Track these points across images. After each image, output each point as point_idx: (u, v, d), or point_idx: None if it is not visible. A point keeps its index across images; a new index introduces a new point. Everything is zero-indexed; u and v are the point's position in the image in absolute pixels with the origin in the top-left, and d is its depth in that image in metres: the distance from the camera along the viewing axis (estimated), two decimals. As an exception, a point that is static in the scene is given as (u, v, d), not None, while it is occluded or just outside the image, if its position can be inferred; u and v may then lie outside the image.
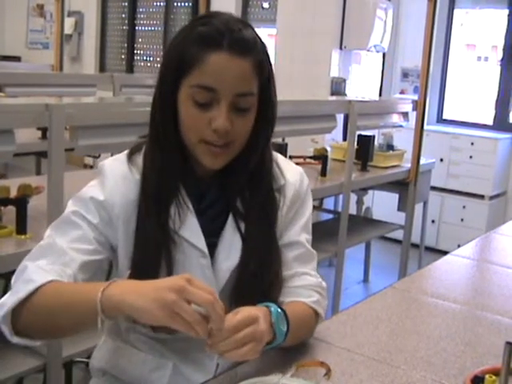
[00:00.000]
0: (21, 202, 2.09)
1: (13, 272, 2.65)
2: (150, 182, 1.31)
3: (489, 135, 5.67)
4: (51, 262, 1.22)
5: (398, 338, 1.51)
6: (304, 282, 1.41)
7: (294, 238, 1.42)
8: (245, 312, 1.14)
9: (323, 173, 3.65)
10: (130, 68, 7.80)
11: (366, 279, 5.06)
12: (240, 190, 1.36)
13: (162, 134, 1.30)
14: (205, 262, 1.34)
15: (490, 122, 5.99)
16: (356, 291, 4.70)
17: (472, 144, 5.61)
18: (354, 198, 4.58)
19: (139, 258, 1.30)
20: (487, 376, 1.13)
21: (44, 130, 3.65)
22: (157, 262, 1.29)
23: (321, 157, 3.69)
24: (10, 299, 1.16)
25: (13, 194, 2.12)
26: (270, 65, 1.32)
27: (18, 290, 1.16)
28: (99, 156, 4.87)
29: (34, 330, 1.20)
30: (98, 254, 1.29)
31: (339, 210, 4.31)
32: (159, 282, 1.07)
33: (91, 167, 5.19)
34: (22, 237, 2.09)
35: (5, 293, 3.12)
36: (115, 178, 1.32)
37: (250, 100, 1.27)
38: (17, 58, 7.96)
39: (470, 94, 6.26)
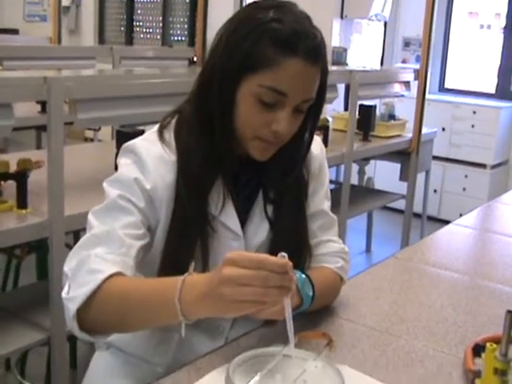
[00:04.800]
0: (21, 177, 2.09)
1: (14, 247, 2.66)
2: (192, 167, 1.27)
3: (491, 104, 5.64)
4: (111, 252, 1.17)
5: (400, 307, 1.52)
6: (329, 249, 1.45)
7: (319, 208, 1.45)
8: None
9: (325, 143, 3.62)
10: (129, 40, 7.74)
11: (368, 249, 5.07)
12: (276, 174, 1.35)
13: (217, 120, 1.26)
14: (237, 245, 1.34)
15: (493, 91, 5.95)
16: (358, 261, 4.71)
17: (474, 113, 5.58)
18: (355, 168, 4.57)
19: (175, 240, 1.28)
20: (488, 344, 1.12)
21: (43, 104, 3.63)
22: (193, 246, 1.28)
23: (322, 127, 3.67)
24: (79, 291, 1.11)
25: (13, 168, 2.11)
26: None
27: (86, 282, 1.11)
28: (99, 129, 4.86)
29: (101, 325, 1.15)
30: (146, 237, 1.26)
31: (341, 180, 4.30)
32: (211, 280, 1.01)
33: (92, 140, 5.17)
34: (23, 211, 2.09)
35: (7, 268, 3.14)
36: (153, 160, 1.27)
37: (309, 103, 1.27)
38: (14, 31, 7.89)
39: (473, 62, 6.21)
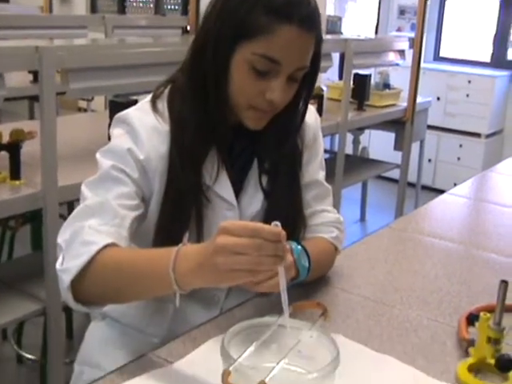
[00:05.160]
0: (13, 148, 2.07)
1: (8, 218, 2.66)
2: (186, 137, 1.27)
3: (486, 73, 5.62)
4: (104, 223, 1.17)
5: (394, 277, 1.52)
6: (323, 219, 1.45)
7: (313, 177, 1.45)
8: None
9: (319, 113, 3.61)
10: (121, 9, 7.63)
11: (362, 219, 5.09)
12: (271, 142, 1.34)
13: (211, 88, 1.25)
14: (231, 214, 1.33)
15: (488, 60, 5.92)
16: (352, 231, 4.72)
17: (469, 82, 5.56)
18: (350, 137, 4.56)
19: (169, 211, 1.28)
20: (482, 314, 1.13)
21: (36, 74, 3.60)
22: (187, 216, 1.28)
23: (316, 96, 3.65)
24: (73, 263, 1.10)
25: (5, 139, 2.10)
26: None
27: (79, 253, 1.10)
28: (92, 99, 4.82)
29: (96, 296, 1.15)
30: (140, 208, 1.25)
31: (335, 149, 4.29)
32: (206, 250, 1.00)
33: (85, 110, 5.13)
34: (17, 182, 2.08)
35: (1, 239, 3.14)
36: (146, 131, 1.27)
37: (304, 72, 1.25)
38: (5, 0, 7.78)
39: (468, 31, 6.17)
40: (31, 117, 4.28)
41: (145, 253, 1.16)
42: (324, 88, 3.94)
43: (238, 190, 1.36)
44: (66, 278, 1.11)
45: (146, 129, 1.27)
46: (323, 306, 1.23)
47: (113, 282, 1.12)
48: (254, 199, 1.36)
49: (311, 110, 1.47)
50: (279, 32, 1.18)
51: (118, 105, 2.32)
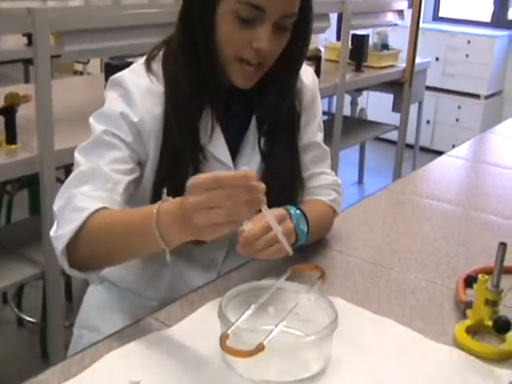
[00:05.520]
0: (9, 112, 2.05)
1: (4, 183, 2.65)
2: (180, 96, 1.26)
3: (486, 33, 5.56)
4: (97, 188, 1.16)
5: (392, 239, 1.52)
6: (322, 182, 1.45)
7: (311, 139, 1.45)
8: (274, 212, 1.15)
9: (317, 74, 3.54)
10: (116, -31, 7.53)
11: (360, 181, 5.09)
12: (268, 103, 1.33)
13: (201, 46, 1.24)
14: None
15: (488, 19, 5.86)
16: (350, 193, 4.72)
17: (468, 42, 5.51)
18: (348, 99, 4.53)
19: (166, 172, 1.27)
20: (480, 276, 1.13)
21: (30, 36, 3.56)
22: (184, 175, 1.26)
23: (314, 58, 3.61)
24: (65, 229, 1.10)
25: (0, 103, 2.08)
26: None
27: (72, 219, 1.10)
28: (88, 62, 4.78)
29: (91, 260, 1.15)
30: (135, 172, 1.25)
31: (333, 111, 4.27)
32: (182, 207, 0.97)
33: (81, 73, 5.09)
34: (13, 147, 2.07)
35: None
36: (140, 93, 1.26)
37: (291, 20, 1.23)
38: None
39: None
40: (26, 80, 4.23)
41: (132, 212, 1.14)
42: (321, 49, 3.91)
43: (235, 151, 1.35)
44: (59, 245, 1.11)
45: (139, 90, 1.26)
46: (321, 269, 1.23)
47: (105, 244, 1.12)
48: (252, 161, 1.35)
49: (309, 71, 1.46)
50: None
51: (113, 67, 2.30)
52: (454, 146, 2.70)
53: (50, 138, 2.04)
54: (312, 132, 1.45)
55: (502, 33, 5.57)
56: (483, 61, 5.47)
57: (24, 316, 2.93)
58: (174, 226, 0.99)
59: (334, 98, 4.09)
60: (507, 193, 1.89)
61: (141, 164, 1.28)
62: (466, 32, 5.61)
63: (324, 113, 5.00)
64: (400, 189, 1.88)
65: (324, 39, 4.71)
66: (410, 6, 4.24)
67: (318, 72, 3.58)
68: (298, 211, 1.28)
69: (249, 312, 1.05)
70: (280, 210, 1.21)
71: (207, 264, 1.40)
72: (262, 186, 0.99)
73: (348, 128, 3.98)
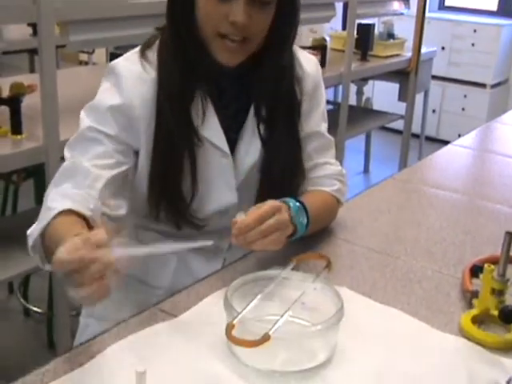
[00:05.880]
0: (14, 102, 2.05)
1: (10, 173, 2.64)
2: (171, 79, 1.27)
3: (492, 21, 5.53)
4: (75, 185, 1.17)
5: (398, 228, 1.52)
6: (325, 172, 1.45)
7: (314, 129, 1.44)
8: (269, 203, 1.17)
9: (322, 63, 3.57)
10: (121, -42, 7.51)
11: (366, 170, 5.08)
12: (263, 88, 1.33)
13: (183, 26, 1.25)
14: (225, 161, 1.33)
15: (494, 8, 5.82)
16: (356, 182, 4.72)
17: (474, 31, 5.48)
18: (353, 88, 4.52)
19: (160, 159, 1.28)
20: (486, 265, 1.13)
21: (35, 26, 3.55)
22: (178, 163, 1.28)
23: (320, 47, 3.60)
24: (36, 228, 1.13)
25: (5, 93, 2.08)
26: None
27: (41, 219, 1.13)
28: (93, 51, 4.78)
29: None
30: (120, 165, 1.25)
31: (339, 100, 4.26)
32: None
33: (86, 63, 5.09)
34: (18, 137, 2.07)
35: (5, 193, 3.14)
36: (132, 78, 1.27)
37: None
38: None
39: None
40: (32, 70, 4.23)
41: (63, 231, 1.08)
42: (327, 38, 3.89)
43: (235, 138, 1.35)
44: (29, 242, 1.14)
45: (131, 76, 1.27)
46: (327, 258, 1.23)
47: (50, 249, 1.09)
48: (252, 148, 1.35)
49: (312, 60, 1.46)
50: None
51: (119, 57, 2.29)
52: (460, 136, 2.69)
53: (56, 128, 2.04)
54: (315, 121, 1.44)
55: (509, 21, 5.54)
56: (489, 50, 5.44)
57: (30, 306, 2.94)
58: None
59: (340, 87, 4.08)
60: (513, 182, 1.88)
61: (132, 153, 1.29)
62: (472, 21, 5.58)
63: (329, 102, 4.99)
64: (406, 178, 1.88)
65: (330, 28, 4.69)
66: (415, -5, 4.22)
67: (323, 61, 3.57)
68: (297, 203, 1.27)
69: (255, 302, 1.05)
70: (275, 202, 1.20)
71: (212, 252, 1.40)
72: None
73: (354, 117, 3.97)
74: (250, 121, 1.35)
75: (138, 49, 1.33)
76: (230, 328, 0.95)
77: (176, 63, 1.27)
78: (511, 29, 5.53)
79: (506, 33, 5.46)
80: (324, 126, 1.47)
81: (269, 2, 1.23)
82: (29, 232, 1.15)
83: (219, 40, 1.24)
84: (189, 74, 1.28)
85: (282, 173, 1.36)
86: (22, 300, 2.96)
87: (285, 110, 1.36)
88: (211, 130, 1.31)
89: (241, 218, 1.14)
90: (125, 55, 1.34)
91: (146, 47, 1.32)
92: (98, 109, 1.26)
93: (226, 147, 1.33)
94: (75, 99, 2.59)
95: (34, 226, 1.15)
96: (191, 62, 1.27)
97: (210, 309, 1.13)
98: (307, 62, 1.43)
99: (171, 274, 1.41)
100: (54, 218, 1.10)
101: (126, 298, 1.43)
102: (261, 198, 1.34)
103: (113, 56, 2.50)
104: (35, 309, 2.92)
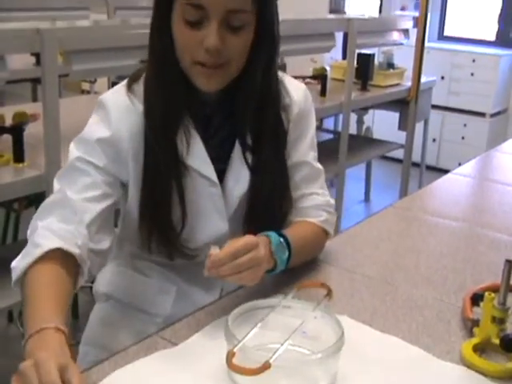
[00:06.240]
0: (17, 130, 2.07)
1: (12, 201, 2.64)
2: (155, 111, 1.27)
3: (491, 51, 5.58)
4: (62, 219, 1.17)
5: (399, 256, 1.52)
6: (312, 202, 1.43)
7: (302, 158, 1.42)
8: (245, 239, 1.16)
9: (323, 92, 3.61)
10: (123, -11, 7.59)
11: (366, 199, 5.08)
12: (246, 116, 1.32)
13: (162, 58, 1.26)
14: (214, 191, 1.33)
15: (493, 38, 5.88)
16: (357, 211, 4.72)
17: (473, 61, 5.52)
18: (354, 117, 4.54)
19: (149, 190, 1.29)
20: (486, 293, 1.13)
21: (38, 56, 3.58)
22: (168, 193, 1.28)
23: (320, 76, 3.64)
24: (20, 263, 1.12)
25: (8, 122, 2.09)
26: None
27: (28, 254, 1.12)
28: (95, 81, 4.81)
29: None
30: (108, 198, 1.26)
31: (339, 129, 4.28)
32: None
33: (88, 92, 5.12)
34: (20, 165, 2.08)
35: (6, 221, 3.13)
36: (119, 111, 1.28)
37: (242, 17, 1.21)
38: (7, -18, 7.73)
39: (472, 9, 6.11)
40: (34, 99, 4.27)
41: (33, 305, 1.07)
42: (327, 68, 3.93)
43: (224, 168, 1.35)
44: (13, 276, 1.12)
45: (119, 110, 1.28)
46: (327, 287, 1.23)
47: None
48: (241, 178, 1.34)
49: (301, 88, 1.44)
50: None
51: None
52: (460, 164, 2.70)
53: (57, 157, 2.05)
54: (303, 151, 1.42)
55: (507, 52, 5.59)
56: (488, 79, 5.48)
57: (30, 334, 2.92)
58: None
59: (340, 116, 4.10)
60: (513, 210, 1.89)
61: (120, 185, 1.30)
62: (471, 51, 5.63)
63: (330, 131, 5.02)
64: (406, 206, 1.89)
65: (330, 58, 4.74)
66: (414, 25, 4.26)
67: (323, 91, 3.60)
68: (279, 238, 1.26)
69: (255, 330, 1.05)
70: (252, 238, 1.17)
71: (208, 281, 1.40)
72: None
73: (354, 146, 3.99)
74: (237, 150, 1.34)
75: (125, 82, 1.34)
76: (230, 356, 0.95)
77: (160, 95, 1.27)
78: (509, 59, 5.58)
79: (504, 63, 5.50)
80: (312, 156, 1.45)
81: (242, 26, 1.22)
82: (13, 265, 1.13)
83: (197, 67, 1.24)
84: (173, 104, 1.28)
85: (269, 200, 1.35)
86: (21, 328, 2.94)
87: (271, 137, 1.34)
88: (198, 159, 1.30)
89: (215, 251, 1.13)
90: (113, 88, 1.35)
91: (132, 80, 1.33)
92: (87, 141, 1.27)
93: (213, 176, 1.32)
94: (77, 128, 2.60)
95: (18, 258, 1.13)
96: (174, 93, 1.28)
97: (210, 337, 1.12)
98: (295, 89, 1.41)
99: (171, 303, 1.41)
100: (41, 256, 1.10)
101: (125, 327, 1.43)
102: (248, 225, 1.35)
103: (114, 85, 2.52)
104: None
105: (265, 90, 1.31)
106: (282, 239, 1.26)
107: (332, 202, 1.47)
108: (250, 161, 1.34)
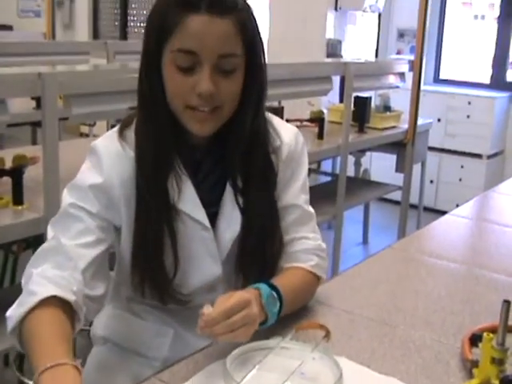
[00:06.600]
0: (16, 173, 2.08)
1: (11, 243, 2.65)
2: (146, 156, 1.28)
3: (486, 94, 5.64)
4: (57, 266, 1.18)
5: (397, 298, 1.52)
6: (302, 247, 1.40)
7: (292, 201, 1.41)
8: (237, 296, 1.14)
9: (320, 135, 3.64)
10: (123, 35, 7.71)
11: (365, 241, 5.08)
12: (236, 159, 1.33)
13: (152, 103, 1.27)
14: (207, 235, 1.33)
15: (487, 81, 5.95)
16: (355, 253, 4.72)
17: (469, 103, 5.58)
18: (351, 159, 4.57)
19: (141, 235, 1.29)
20: (485, 334, 1.13)
21: (38, 100, 3.62)
22: (159, 238, 1.28)
23: (317, 119, 3.67)
24: (16, 312, 1.12)
25: (8, 164, 2.11)
26: (256, 25, 1.28)
27: (23, 302, 1.12)
28: (94, 124, 4.85)
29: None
30: (101, 243, 1.26)
31: (337, 172, 4.30)
32: None
33: (87, 136, 5.16)
34: (19, 207, 2.09)
35: (4, 264, 3.12)
36: (111, 158, 1.28)
37: (233, 61, 1.23)
38: (8, 27, 7.85)
39: (467, 52, 6.20)
40: (34, 142, 4.30)
41: (41, 343, 1.08)
42: (325, 111, 3.97)
43: (216, 212, 1.35)
44: (8, 325, 1.12)
45: (110, 156, 1.29)
46: (326, 328, 1.23)
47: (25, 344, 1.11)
48: (232, 221, 1.34)
49: (292, 131, 1.45)
50: (188, 22, 1.19)
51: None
52: (457, 205, 2.71)
53: (57, 199, 2.05)
54: (294, 193, 1.41)
55: (502, 94, 5.65)
56: (484, 121, 5.53)
57: (25, 379, 2.89)
58: None
59: (338, 158, 4.13)
60: (510, 251, 1.89)
61: (116, 228, 1.31)
62: (467, 93, 5.69)
63: (328, 174, 5.05)
64: (404, 247, 1.89)
65: (327, 101, 4.78)
66: (410, 69, 4.32)
67: (321, 133, 3.63)
68: (270, 290, 1.24)
69: (254, 371, 1.05)
70: (244, 295, 1.16)
71: None
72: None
73: (352, 188, 4.00)
74: (228, 193, 1.34)
75: (117, 128, 1.35)
76: (228, 398, 0.94)
77: (150, 140, 1.28)
78: (504, 101, 5.64)
79: (499, 105, 5.56)
80: (303, 199, 1.43)
81: (234, 70, 1.24)
82: (8, 314, 1.13)
83: (189, 111, 1.25)
84: (163, 149, 1.29)
85: (259, 241, 1.34)
86: (17, 373, 2.91)
87: (260, 179, 1.34)
88: (189, 203, 1.31)
89: (208, 310, 1.10)
90: (105, 134, 1.36)
91: (124, 126, 1.34)
92: (79, 187, 1.28)
93: (205, 220, 1.32)
94: (75, 171, 2.62)
95: (14, 307, 1.13)
96: (165, 138, 1.28)
97: (208, 379, 1.12)
98: (286, 132, 1.41)
99: (168, 346, 1.40)
100: (37, 304, 1.10)
101: (122, 370, 1.42)
102: (240, 268, 1.35)
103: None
104: (30, 382, 2.87)
105: (254, 132, 1.32)
106: (273, 291, 1.24)
107: (323, 246, 1.45)
108: (241, 203, 1.34)
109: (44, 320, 1.10)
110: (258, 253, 1.35)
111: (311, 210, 1.46)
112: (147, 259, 1.30)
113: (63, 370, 0.99)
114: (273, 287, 1.25)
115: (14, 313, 1.12)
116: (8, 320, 1.13)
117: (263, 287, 1.23)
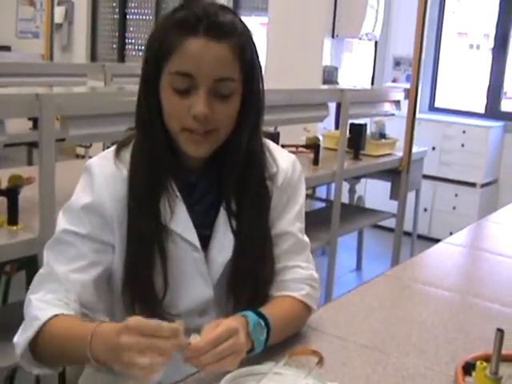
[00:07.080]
0: (12, 193, 2.08)
1: (4, 263, 2.64)
2: (139, 177, 1.28)
3: (480, 123, 5.68)
4: (52, 291, 1.22)
5: (391, 325, 1.52)
6: (294, 276, 1.39)
7: (287, 229, 1.40)
8: (224, 325, 1.13)
9: (315, 161, 3.65)
10: (121, 57, 7.75)
11: (358, 267, 5.08)
12: (231, 182, 1.33)
13: (149, 124, 1.28)
14: (198, 256, 1.33)
15: (482, 111, 5.99)
16: (349, 279, 4.71)
17: (464, 132, 5.62)
18: (346, 186, 4.58)
19: (132, 255, 1.29)
20: (478, 362, 1.13)
21: (35, 120, 3.63)
22: (150, 258, 1.29)
23: (313, 145, 3.68)
24: (22, 338, 1.17)
25: (4, 184, 2.11)
26: (255, 50, 1.29)
27: (28, 327, 1.17)
28: (91, 146, 4.86)
29: (48, 361, 1.22)
30: (96, 266, 1.27)
31: (331, 198, 4.31)
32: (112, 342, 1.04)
33: (83, 157, 5.17)
34: (14, 227, 2.09)
35: (-2, 283, 3.07)
36: (104, 178, 1.29)
37: (230, 85, 1.24)
38: (6, 48, 7.89)
39: (462, 82, 6.26)
40: (29, 162, 4.30)
41: (73, 330, 1.16)
42: (320, 137, 3.98)
43: (209, 235, 1.35)
44: (17, 352, 1.18)
45: (104, 176, 1.30)
46: (319, 354, 1.23)
47: (54, 353, 1.18)
48: (225, 245, 1.34)
49: (290, 158, 1.45)
50: (186, 45, 1.21)
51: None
52: (451, 233, 2.72)
53: (52, 220, 2.05)
54: (288, 221, 1.41)
55: (496, 123, 5.69)
56: (478, 150, 5.56)
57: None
58: (104, 355, 1.06)
59: (333, 185, 4.14)
60: (504, 280, 1.90)
61: (110, 248, 1.31)
62: (462, 122, 5.73)
63: (322, 200, 5.05)
64: (398, 275, 1.89)
65: (323, 128, 4.80)
66: (406, 97, 4.35)
67: (316, 160, 3.64)
68: (257, 319, 1.23)
69: (246, 396, 1.04)
70: (232, 323, 1.15)
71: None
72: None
73: (346, 215, 4.00)
74: (222, 216, 1.35)
75: (114, 148, 1.36)
76: (221, 423, 0.94)
77: (145, 160, 1.29)
78: (498, 130, 5.68)
79: (493, 134, 5.60)
80: (298, 227, 1.43)
81: (230, 94, 1.25)
82: (15, 340, 1.18)
83: (185, 133, 1.26)
84: (158, 170, 1.29)
85: (251, 266, 1.34)
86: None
87: (254, 203, 1.34)
88: (181, 224, 1.31)
89: (195, 339, 1.09)
90: (101, 154, 1.37)
91: (121, 146, 1.35)
92: (72, 209, 1.30)
93: (196, 241, 1.32)
94: (71, 192, 2.63)
95: (19, 333, 1.18)
96: (160, 159, 1.29)
97: (201, 403, 1.11)
98: (283, 159, 1.42)
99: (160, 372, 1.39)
100: (44, 325, 1.15)
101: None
102: (231, 291, 1.35)
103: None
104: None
105: (249, 153, 1.33)
106: (260, 319, 1.23)
107: (316, 276, 1.43)
108: (234, 226, 1.34)
109: (58, 324, 1.16)
110: (250, 276, 1.35)
111: (306, 238, 1.45)
112: (137, 278, 1.30)
113: (106, 323, 1.09)
114: (260, 315, 1.24)
115: (20, 339, 1.17)
116: (16, 347, 1.18)
117: (250, 315, 1.23)
